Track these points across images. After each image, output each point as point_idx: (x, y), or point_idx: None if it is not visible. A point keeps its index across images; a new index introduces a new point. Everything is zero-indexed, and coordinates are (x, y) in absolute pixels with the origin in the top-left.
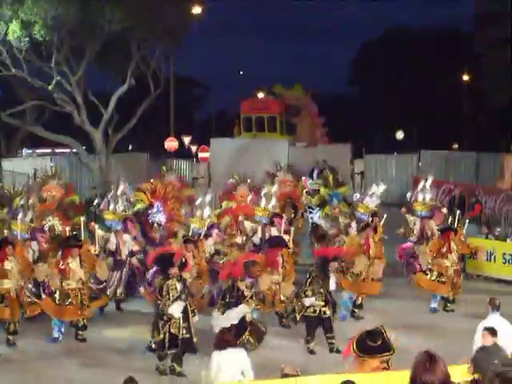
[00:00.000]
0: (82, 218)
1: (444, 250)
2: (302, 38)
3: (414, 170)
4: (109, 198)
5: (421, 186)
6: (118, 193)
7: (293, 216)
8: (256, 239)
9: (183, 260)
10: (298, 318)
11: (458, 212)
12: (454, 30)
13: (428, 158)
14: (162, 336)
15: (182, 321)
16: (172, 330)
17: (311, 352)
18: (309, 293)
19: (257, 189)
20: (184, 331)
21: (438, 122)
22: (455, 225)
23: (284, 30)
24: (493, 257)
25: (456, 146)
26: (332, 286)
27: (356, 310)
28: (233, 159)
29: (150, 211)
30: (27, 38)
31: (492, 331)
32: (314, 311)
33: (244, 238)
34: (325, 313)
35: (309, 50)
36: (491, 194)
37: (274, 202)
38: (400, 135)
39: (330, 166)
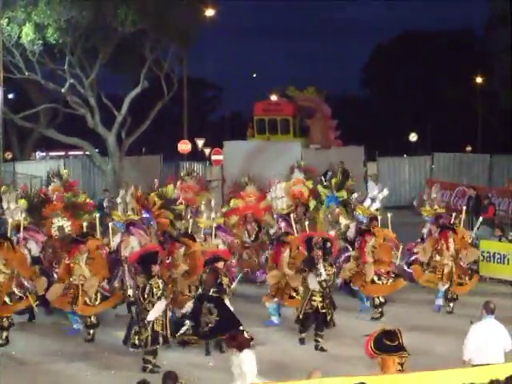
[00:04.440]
0: (97, 215)
1: (438, 247)
2: (315, 41)
3: (427, 173)
4: (118, 200)
5: (427, 195)
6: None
7: (304, 215)
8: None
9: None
10: (300, 316)
11: (464, 212)
12: (467, 32)
13: (441, 161)
14: (148, 333)
15: (164, 318)
16: (156, 328)
17: (302, 342)
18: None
19: (265, 191)
20: (164, 328)
21: (451, 124)
22: (459, 224)
23: (296, 32)
24: (506, 259)
25: (469, 148)
26: (322, 275)
27: (376, 311)
28: (246, 162)
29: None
30: (40, 41)
31: None
32: (312, 307)
33: (253, 237)
34: (322, 308)
35: (322, 52)
36: (504, 196)
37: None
38: (413, 137)
39: (343, 169)
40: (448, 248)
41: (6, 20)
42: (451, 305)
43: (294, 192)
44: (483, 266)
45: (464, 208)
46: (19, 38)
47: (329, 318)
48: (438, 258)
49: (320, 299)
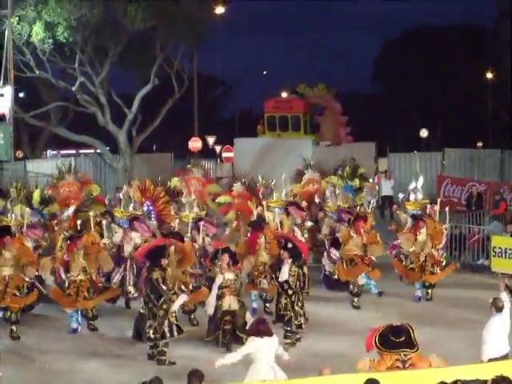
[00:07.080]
0: (91, 213)
1: (413, 238)
2: (326, 37)
3: (438, 169)
4: (120, 196)
5: (412, 186)
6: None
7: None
8: None
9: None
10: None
11: (439, 202)
12: (478, 26)
13: (452, 156)
14: (163, 326)
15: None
16: (171, 320)
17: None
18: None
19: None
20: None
21: (462, 119)
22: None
23: (307, 28)
24: None
25: (480, 143)
26: (283, 275)
27: (355, 300)
28: (257, 159)
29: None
30: (51, 40)
31: None
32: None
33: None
34: (285, 309)
35: (333, 48)
36: None
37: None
38: (424, 133)
39: (354, 165)
40: (416, 238)
41: (17, 19)
42: (429, 291)
43: (310, 191)
44: (495, 262)
45: (438, 201)
46: (29, 36)
47: (292, 318)
48: (412, 248)
49: (284, 298)
